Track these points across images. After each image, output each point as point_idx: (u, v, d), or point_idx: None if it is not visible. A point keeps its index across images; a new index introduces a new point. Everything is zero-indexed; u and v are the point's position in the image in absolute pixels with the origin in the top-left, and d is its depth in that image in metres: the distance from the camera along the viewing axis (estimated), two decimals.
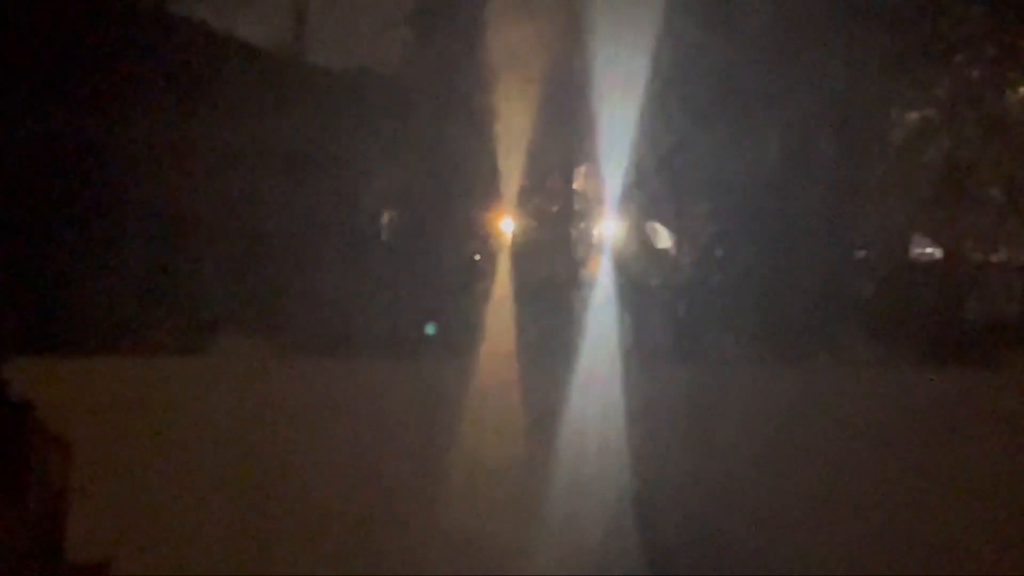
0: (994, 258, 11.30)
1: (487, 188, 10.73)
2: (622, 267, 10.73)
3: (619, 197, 10.67)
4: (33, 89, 10.49)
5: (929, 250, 11.46)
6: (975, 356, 10.70)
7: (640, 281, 10.90)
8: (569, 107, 10.49)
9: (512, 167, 10.62)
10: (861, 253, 11.39)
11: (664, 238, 11.35)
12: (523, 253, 10.83)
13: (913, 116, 11.38)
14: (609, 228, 10.93)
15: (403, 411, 9.13)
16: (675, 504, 8.81)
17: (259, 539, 8.31)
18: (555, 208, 11.23)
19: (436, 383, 9.36)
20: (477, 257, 10.87)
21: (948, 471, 9.04)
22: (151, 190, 10.72)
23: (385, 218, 11.51)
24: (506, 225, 10.88)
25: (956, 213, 11.17)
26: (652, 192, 10.90)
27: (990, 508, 8.85)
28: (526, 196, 10.97)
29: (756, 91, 10.83)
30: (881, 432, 9.23)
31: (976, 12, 11.16)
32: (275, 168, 10.88)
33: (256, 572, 8.04)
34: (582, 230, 11.11)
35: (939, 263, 11.38)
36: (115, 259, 10.50)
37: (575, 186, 11.25)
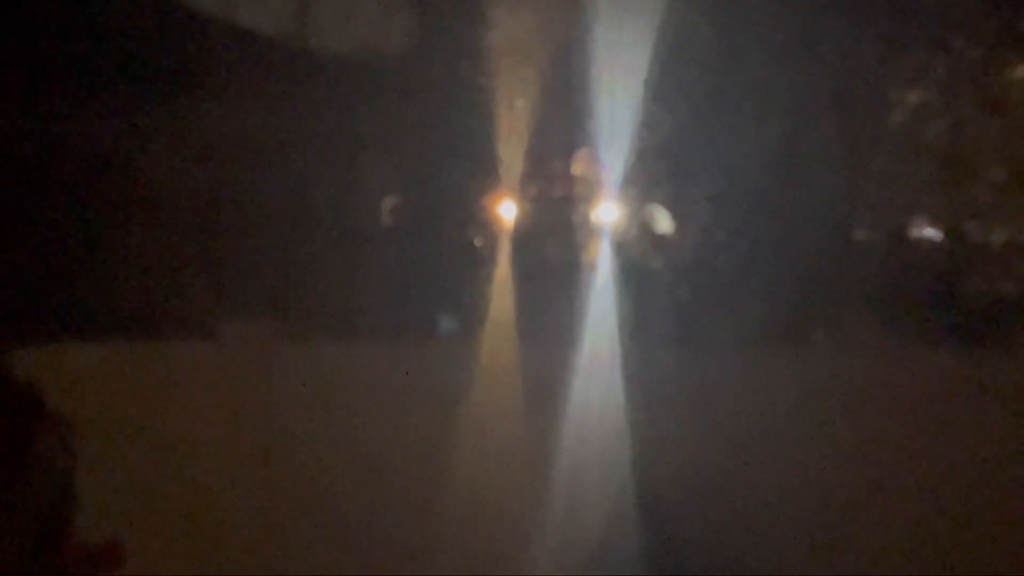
0: (994, 238, 11.32)
1: (487, 173, 10.74)
2: (623, 251, 10.75)
3: (620, 181, 10.68)
4: (29, 79, 10.49)
5: (929, 231, 11.48)
6: (976, 336, 10.72)
7: (641, 265, 10.91)
8: (570, 92, 10.49)
9: (513, 152, 10.62)
10: (861, 235, 11.40)
11: (665, 222, 11.36)
12: (524, 238, 10.84)
13: (912, 97, 11.39)
14: (610, 212, 10.94)
15: (404, 395, 9.15)
16: (677, 487, 8.83)
17: (266, 522, 8.34)
18: (556, 193, 11.23)
19: (436, 368, 9.38)
20: (478, 242, 10.88)
21: (951, 451, 9.07)
22: (153, 178, 10.73)
23: (385, 203, 11.52)
24: (507, 210, 10.88)
25: (956, 194, 11.19)
26: (653, 176, 10.90)
27: (993, 489, 8.87)
28: (527, 181, 10.98)
29: (756, 75, 10.84)
30: (883, 413, 9.25)
31: None
32: (277, 154, 10.89)
33: (263, 554, 8.06)
34: (583, 214, 11.11)
35: (940, 244, 11.39)
36: (122, 246, 10.52)
37: (575, 170, 11.26)
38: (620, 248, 10.73)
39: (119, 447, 8.30)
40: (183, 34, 11.02)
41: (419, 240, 11.05)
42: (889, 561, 8.41)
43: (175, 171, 10.77)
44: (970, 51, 11.27)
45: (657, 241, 11.19)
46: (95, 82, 10.67)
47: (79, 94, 10.62)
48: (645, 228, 11.19)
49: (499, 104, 10.48)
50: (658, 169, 10.86)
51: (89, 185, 10.69)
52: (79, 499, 5.15)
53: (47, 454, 5.15)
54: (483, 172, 10.75)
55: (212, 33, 11.15)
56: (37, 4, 10.58)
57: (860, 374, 9.84)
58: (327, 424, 9.01)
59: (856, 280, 11.04)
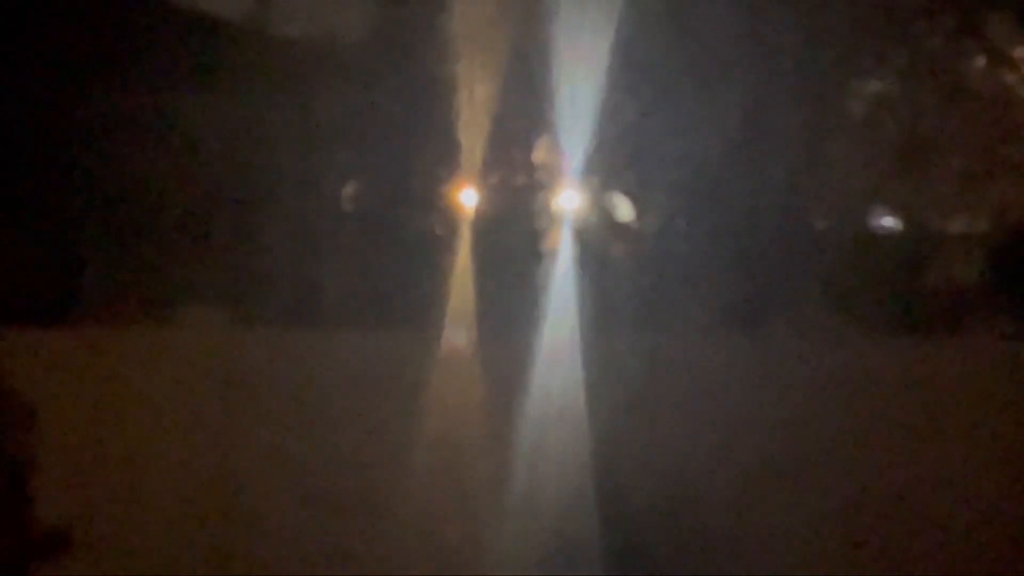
0: (954, 228, 11.37)
1: (448, 160, 10.71)
2: (584, 239, 10.74)
3: (581, 169, 10.67)
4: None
5: (889, 220, 11.51)
6: (935, 325, 10.76)
7: (602, 253, 10.91)
8: (531, 79, 10.47)
9: (473, 140, 10.60)
10: (822, 224, 11.42)
11: (626, 210, 11.36)
12: (484, 225, 10.82)
13: (872, 87, 11.42)
14: (571, 200, 10.93)
15: (363, 382, 9.12)
16: (638, 474, 8.84)
17: (226, 509, 8.31)
18: (517, 180, 11.21)
19: (396, 355, 9.36)
20: (438, 229, 10.85)
21: (910, 439, 9.10)
22: (111, 161, 10.68)
23: (345, 190, 11.48)
24: (467, 197, 10.86)
25: (916, 183, 11.22)
26: (614, 164, 10.90)
27: (954, 478, 8.92)
28: (487, 168, 10.96)
29: (717, 63, 10.84)
30: (842, 401, 9.28)
31: None
32: (236, 139, 10.84)
33: (223, 541, 8.04)
34: (544, 202, 11.10)
35: (900, 233, 11.43)
36: (79, 231, 10.46)
37: (536, 158, 11.24)
38: (581, 236, 10.72)
39: (75, 432, 8.25)
40: (140, 21, 10.96)
41: (379, 227, 11.02)
42: (849, 543, 8.45)
43: (132, 157, 10.72)
44: (930, 40, 11.31)
45: (618, 229, 11.19)
46: (53, 69, 10.62)
47: (38, 77, 10.56)
48: (606, 216, 11.18)
49: (459, 91, 10.44)
50: (619, 157, 10.85)
51: (45, 171, 10.63)
52: (35, 482, 5.11)
53: (3, 437, 5.10)
54: (444, 160, 10.72)
55: (170, 20, 11.09)
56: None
57: (819, 362, 9.86)
58: (285, 411, 8.98)
59: (816, 269, 11.06)
